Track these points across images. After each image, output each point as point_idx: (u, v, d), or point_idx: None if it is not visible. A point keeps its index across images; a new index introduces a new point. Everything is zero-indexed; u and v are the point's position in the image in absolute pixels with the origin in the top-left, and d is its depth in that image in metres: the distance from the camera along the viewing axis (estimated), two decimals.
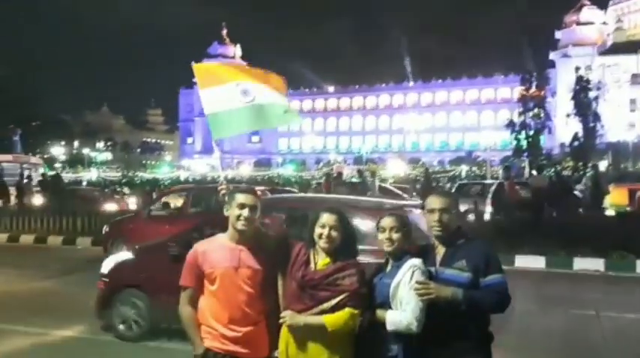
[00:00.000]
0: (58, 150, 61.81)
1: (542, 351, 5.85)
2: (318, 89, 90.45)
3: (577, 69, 42.33)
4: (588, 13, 77.24)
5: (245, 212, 2.81)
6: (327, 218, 2.79)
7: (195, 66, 4.03)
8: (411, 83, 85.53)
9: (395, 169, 35.21)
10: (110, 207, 19.44)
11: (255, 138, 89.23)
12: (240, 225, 2.81)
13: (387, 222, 2.78)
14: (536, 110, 38.89)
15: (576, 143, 39.13)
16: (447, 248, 2.76)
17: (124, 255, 6.57)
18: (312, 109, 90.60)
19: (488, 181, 22.37)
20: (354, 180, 20.19)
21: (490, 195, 15.25)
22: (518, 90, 43.94)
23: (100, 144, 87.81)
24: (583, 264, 10.61)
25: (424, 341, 2.62)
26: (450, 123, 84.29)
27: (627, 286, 9.50)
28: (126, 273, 6.15)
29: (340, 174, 19.26)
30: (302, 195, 12.08)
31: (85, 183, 39.51)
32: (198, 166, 60.62)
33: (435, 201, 2.79)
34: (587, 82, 41.11)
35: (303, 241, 2.88)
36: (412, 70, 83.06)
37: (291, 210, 5.76)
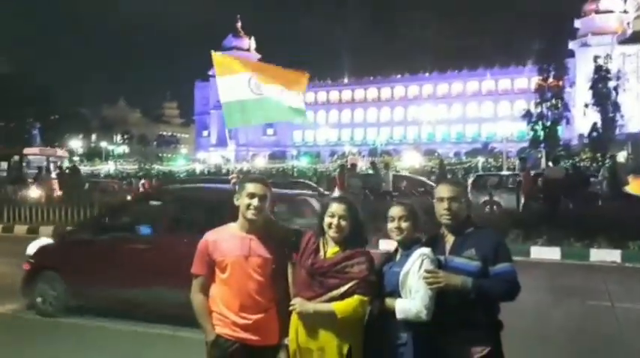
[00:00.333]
0: (76, 144, 62.64)
1: (557, 342, 5.82)
2: (333, 81, 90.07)
3: (596, 58, 41.65)
4: (608, 1, 75.51)
5: (255, 201, 2.83)
6: (336, 207, 2.79)
7: (214, 54, 4.06)
8: (427, 74, 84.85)
9: (410, 161, 35.02)
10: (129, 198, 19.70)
11: (269, 131, 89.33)
12: (250, 214, 2.84)
13: (396, 211, 2.78)
14: (553, 100, 38.41)
15: (595, 134, 38.59)
16: (457, 236, 2.75)
17: (48, 239, 7.42)
18: (327, 101, 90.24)
19: (505, 173, 22.24)
20: (369, 171, 20.16)
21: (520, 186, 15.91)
22: (535, 80, 43.33)
23: (117, 138, 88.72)
24: (600, 255, 10.49)
25: (434, 330, 2.63)
26: (466, 114, 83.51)
27: None
28: (46, 256, 6.79)
29: (354, 165, 19.20)
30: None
31: (102, 176, 40.09)
32: (212, 159, 60.97)
33: (444, 190, 2.79)
34: (607, 71, 40.45)
35: (313, 230, 2.90)
36: (428, 60, 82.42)
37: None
